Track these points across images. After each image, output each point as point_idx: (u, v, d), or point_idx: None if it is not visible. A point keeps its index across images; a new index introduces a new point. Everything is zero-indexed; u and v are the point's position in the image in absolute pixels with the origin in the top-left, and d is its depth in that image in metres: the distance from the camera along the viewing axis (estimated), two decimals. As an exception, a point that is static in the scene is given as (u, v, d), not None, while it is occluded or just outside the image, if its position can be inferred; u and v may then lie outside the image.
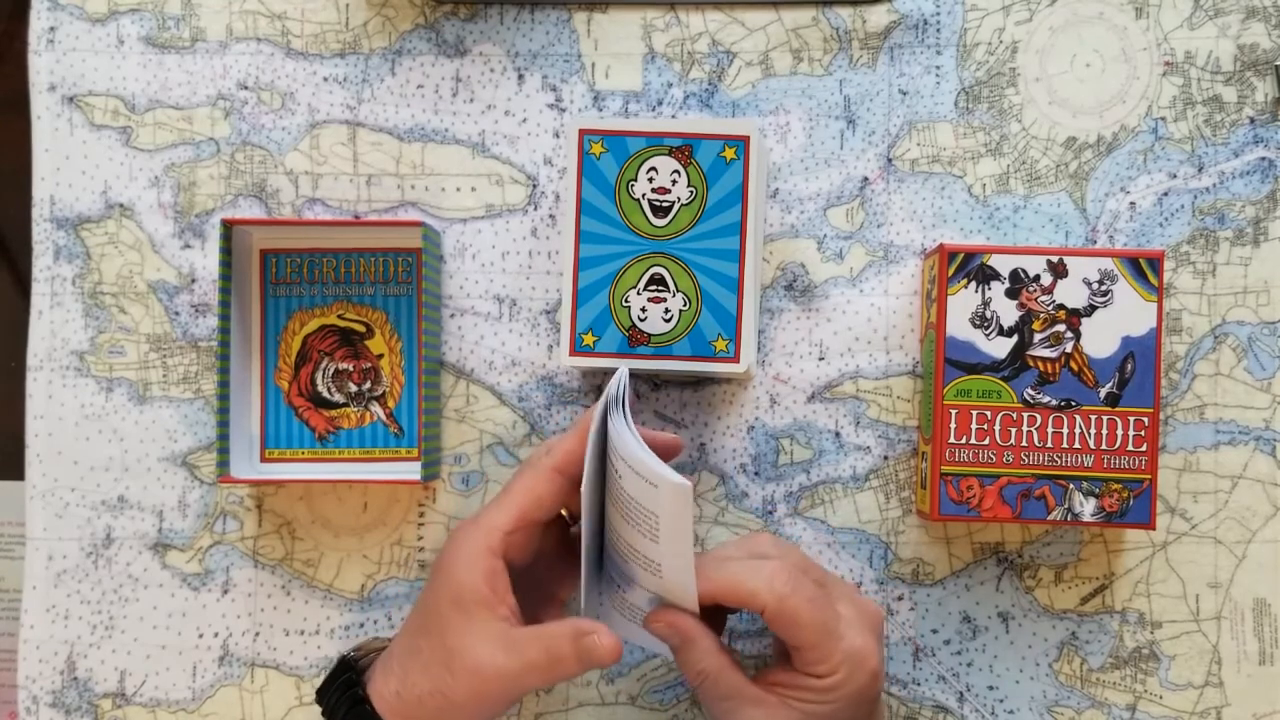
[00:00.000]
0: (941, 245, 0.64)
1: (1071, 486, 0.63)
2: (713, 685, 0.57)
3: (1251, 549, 0.67)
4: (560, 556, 0.63)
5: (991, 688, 0.68)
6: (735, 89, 0.69)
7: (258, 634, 0.69)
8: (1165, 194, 0.68)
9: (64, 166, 0.69)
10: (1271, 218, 0.68)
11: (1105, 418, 0.63)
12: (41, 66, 0.69)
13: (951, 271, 0.63)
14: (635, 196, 0.63)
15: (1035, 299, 0.63)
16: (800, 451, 0.68)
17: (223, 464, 0.66)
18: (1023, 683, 0.68)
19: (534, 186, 0.69)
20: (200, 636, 0.69)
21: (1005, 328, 0.63)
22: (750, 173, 0.62)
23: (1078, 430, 0.63)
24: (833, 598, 0.57)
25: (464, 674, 0.56)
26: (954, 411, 0.63)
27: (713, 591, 0.56)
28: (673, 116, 0.69)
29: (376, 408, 0.69)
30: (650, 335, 0.63)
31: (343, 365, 0.69)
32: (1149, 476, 0.63)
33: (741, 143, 0.62)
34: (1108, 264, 0.63)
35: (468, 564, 0.58)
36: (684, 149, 0.63)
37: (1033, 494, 0.63)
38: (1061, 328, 0.63)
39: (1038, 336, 0.63)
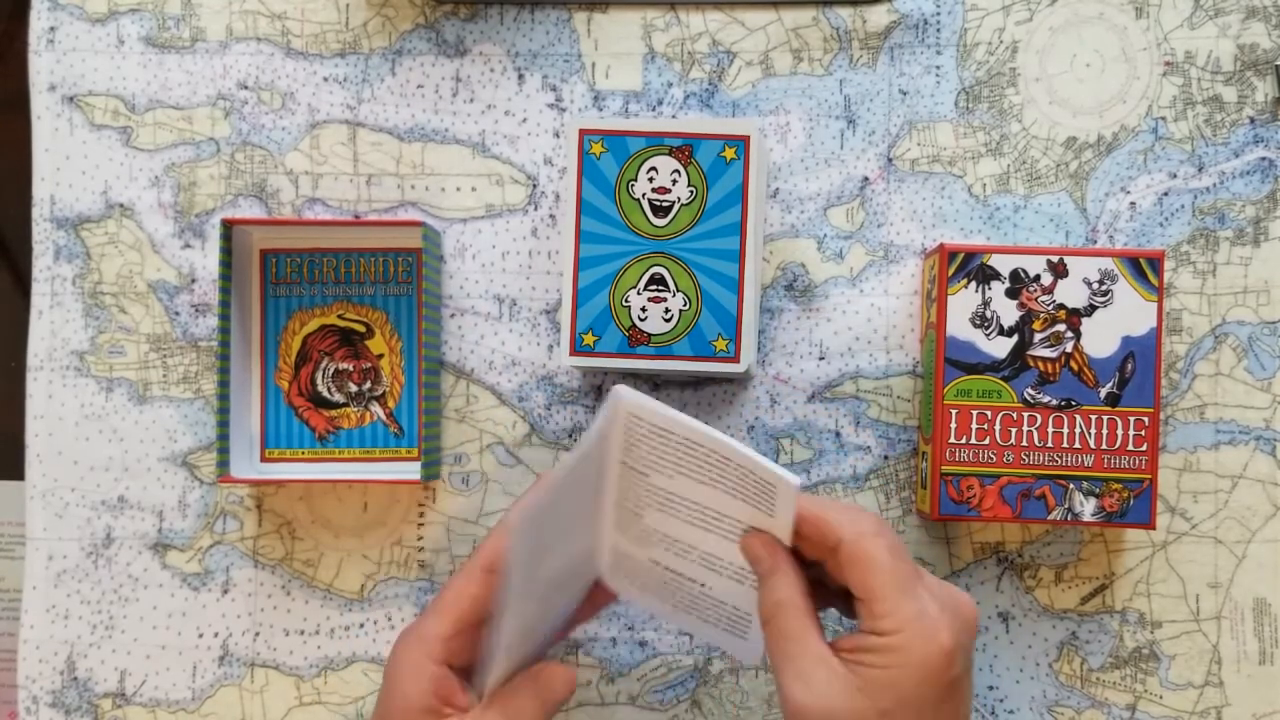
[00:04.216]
0: (942, 245, 0.64)
1: (1071, 486, 0.63)
2: (786, 619, 0.53)
3: (1251, 549, 0.67)
4: None
5: (991, 688, 0.68)
6: (735, 89, 0.69)
7: (258, 634, 0.69)
8: (1165, 194, 0.68)
9: (64, 166, 0.69)
10: (1271, 218, 0.68)
11: (1105, 418, 0.63)
12: (41, 66, 0.69)
13: (952, 271, 0.63)
14: (635, 196, 0.63)
15: (1035, 299, 0.63)
16: (800, 451, 0.68)
17: (223, 464, 0.66)
18: (1023, 683, 0.68)
19: (534, 186, 0.69)
20: (200, 636, 0.69)
21: (1005, 327, 0.63)
22: (750, 173, 0.62)
23: (1078, 430, 0.63)
24: (920, 573, 0.53)
25: None
26: (954, 411, 0.63)
27: (796, 513, 0.54)
28: (673, 116, 0.69)
29: (376, 408, 0.69)
30: (650, 335, 0.63)
31: (343, 365, 0.69)
32: (1149, 476, 0.63)
33: (741, 143, 0.62)
34: (1108, 264, 0.63)
35: (413, 676, 0.56)
36: (684, 149, 0.63)
37: (1033, 494, 0.63)
38: (1062, 327, 0.63)
39: (1038, 336, 0.63)
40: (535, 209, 0.69)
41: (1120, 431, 0.63)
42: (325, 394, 0.69)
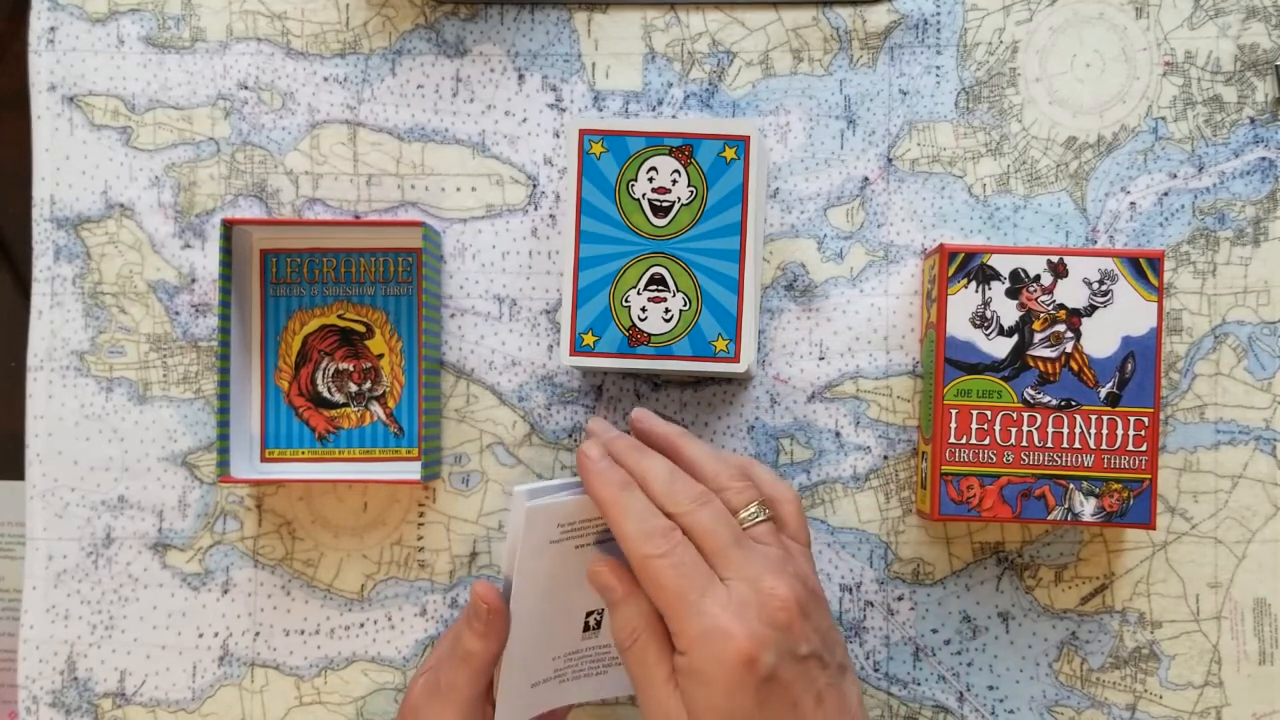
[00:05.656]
0: (941, 245, 0.64)
1: (1071, 486, 0.63)
2: (640, 647, 0.53)
3: (1251, 549, 0.67)
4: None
5: (991, 688, 0.68)
6: (735, 89, 0.69)
7: (258, 634, 0.69)
8: (1165, 194, 0.68)
9: (64, 166, 0.69)
10: (1271, 218, 0.68)
11: (1105, 418, 0.63)
12: (41, 66, 0.69)
13: (952, 271, 0.63)
14: (635, 196, 0.63)
15: (1035, 299, 0.63)
16: (800, 451, 0.68)
17: (223, 464, 0.66)
18: (1023, 683, 0.68)
19: (534, 186, 0.69)
20: (200, 636, 0.69)
21: (1005, 328, 0.63)
22: (750, 173, 0.62)
23: (1078, 430, 0.63)
24: (711, 577, 0.52)
25: None
26: (954, 411, 0.63)
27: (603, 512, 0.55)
28: (673, 116, 0.69)
29: (376, 408, 0.69)
30: (650, 335, 0.63)
31: (343, 365, 0.69)
32: (1149, 476, 0.63)
33: (741, 143, 0.62)
34: (1108, 264, 0.63)
35: None
36: (684, 149, 0.62)
37: (1033, 494, 0.63)
38: (1062, 328, 0.63)
39: (1038, 336, 0.63)
40: (535, 209, 0.69)
41: (1120, 431, 0.63)
42: (325, 394, 0.69)
